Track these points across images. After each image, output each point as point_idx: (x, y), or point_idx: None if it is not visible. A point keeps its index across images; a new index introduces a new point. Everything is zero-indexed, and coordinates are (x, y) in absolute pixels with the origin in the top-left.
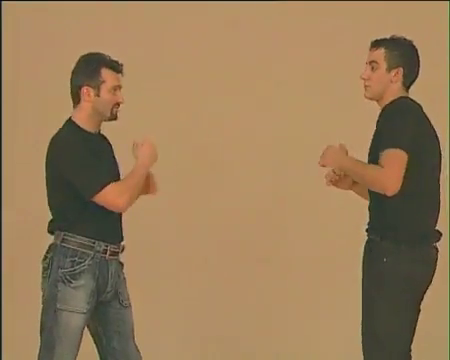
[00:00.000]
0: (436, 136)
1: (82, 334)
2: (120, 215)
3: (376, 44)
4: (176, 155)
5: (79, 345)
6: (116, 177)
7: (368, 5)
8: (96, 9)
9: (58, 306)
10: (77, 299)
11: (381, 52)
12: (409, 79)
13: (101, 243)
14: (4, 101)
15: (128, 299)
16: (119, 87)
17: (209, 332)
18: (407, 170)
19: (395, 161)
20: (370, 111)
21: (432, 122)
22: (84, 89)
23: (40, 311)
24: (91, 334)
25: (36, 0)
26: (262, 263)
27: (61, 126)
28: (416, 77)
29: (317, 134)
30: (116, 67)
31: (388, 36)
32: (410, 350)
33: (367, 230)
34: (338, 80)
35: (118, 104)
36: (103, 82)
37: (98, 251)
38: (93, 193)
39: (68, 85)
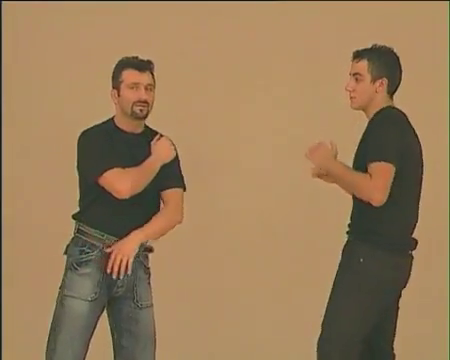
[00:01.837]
0: (419, 146)
1: (90, 324)
2: (146, 218)
3: (358, 55)
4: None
5: (86, 336)
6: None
7: (368, 5)
8: (96, 9)
9: (65, 292)
10: (82, 286)
11: (364, 64)
12: (393, 87)
13: (111, 237)
14: (4, 101)
15: (146, 300)
16: (142, 84)
17: (206, 332)
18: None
19: (383, 173)
20: None
21: (432, 122)
22: (111, 92)
23: (40, 311)
24: (110, 330)
25: (36, 0)
26: (263, 263)
27: (62, 126)
28: (399, 83)
29: (316, 134)
30: (137, 65)
31: (369, 46)
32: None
33: (348, 232)
34: (336, 80)
35: (141, 101)
36: (122, 81)
37: (108, 245)
38: (95, 175)
39: (68, 85)
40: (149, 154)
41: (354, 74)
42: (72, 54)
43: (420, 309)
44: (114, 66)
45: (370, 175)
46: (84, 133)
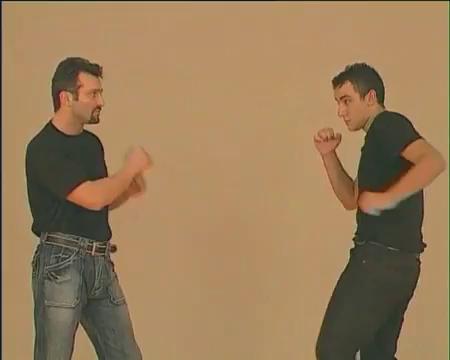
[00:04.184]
0: None
1: (74, 330)
2: (106, 214)
3: (339, 81)
4: (172, 155)
5: (72, 341)
6: (96, 175)
7: (368, 5)
8: (96, 9)
9: (46, 303)
10: (64, 294)
11: (348, 85)
12: (381, 95)
13: (85, 239)
14: (4, 101)
15: (121, 297)
16: (99, 90)
17: (204, 332)
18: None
19: (425, 144)
20: None
21: (432, 122)
22: (62, 94)
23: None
24: (89, 336)
25: (36, 0)
26: (259, 262)
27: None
28: (384, 89)
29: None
30: (94, 70)
31: (340, 71)
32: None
33: (354, 238)
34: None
35: (99, 107)
36: (81, 86)
37: (82, 247)
38: (66, 192)
39: None
40: (94, 149)
41: (341, 98)
42: (72, 54)
43: (420, 309)
44: (62, 66)
45: (417, 158)
46: (36, 147)
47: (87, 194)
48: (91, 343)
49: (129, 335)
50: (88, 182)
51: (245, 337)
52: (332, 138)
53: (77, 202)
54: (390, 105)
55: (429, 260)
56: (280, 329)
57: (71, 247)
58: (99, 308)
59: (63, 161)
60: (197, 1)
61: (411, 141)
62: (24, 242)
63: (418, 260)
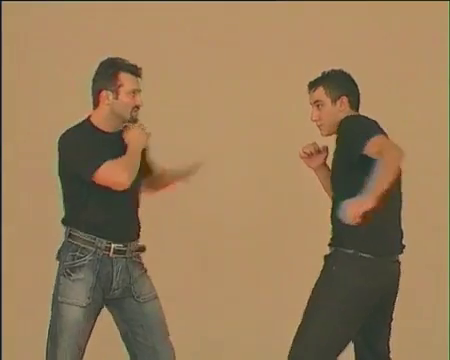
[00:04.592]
0: None
1: (86, 329)
2: (132, 214)
3: (313, 86)
4: (172, 154)
5: (83, 339)
6: None
7: (368, 5)
8: (96, 9)
9: (59, 299)
10: (76, 292)
11: (320, 90)
12: (355, 102)
13: (102, 240)
14: (4, 101)
15: (150, 293)
16: (138, 91)
17: (204, 332)
18: (364, 177)
19: (383, 139)
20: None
21: (432, 122)
22: (103, 92)
23: (39, 311)
24: (120, 334)
25: (36, 0)
26: (258, 263)
27: (63, 126)
28: (359, 95)
29: (315, 137)
30: (135, 71)
31: (319, 74)
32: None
33: (329, 244)
34: None
35: (137, 107)
36: (121, 85)
37: (99, 248)
38: (90, 173)
39: (69, 85)
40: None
41: (314, 102)
42: (72, 54)
43: (420, 310)
44: (102, 66)
45: (376, 153)
46: (66, 136)
47: (109, 173)
48: (90, 343)
49: (159, 331)
50: (109, 162)
51: (245, 337)
52: (319, 152)
53: (102, 183)
54: (390, 105)
55: (429, 260)
56: (280, 329)
57: (88, 247)
58: (124, 306)
59: (89, 146)
60: (197, 1)
61: (370, 138)
62: (24, 241)
63: (396, 261)
